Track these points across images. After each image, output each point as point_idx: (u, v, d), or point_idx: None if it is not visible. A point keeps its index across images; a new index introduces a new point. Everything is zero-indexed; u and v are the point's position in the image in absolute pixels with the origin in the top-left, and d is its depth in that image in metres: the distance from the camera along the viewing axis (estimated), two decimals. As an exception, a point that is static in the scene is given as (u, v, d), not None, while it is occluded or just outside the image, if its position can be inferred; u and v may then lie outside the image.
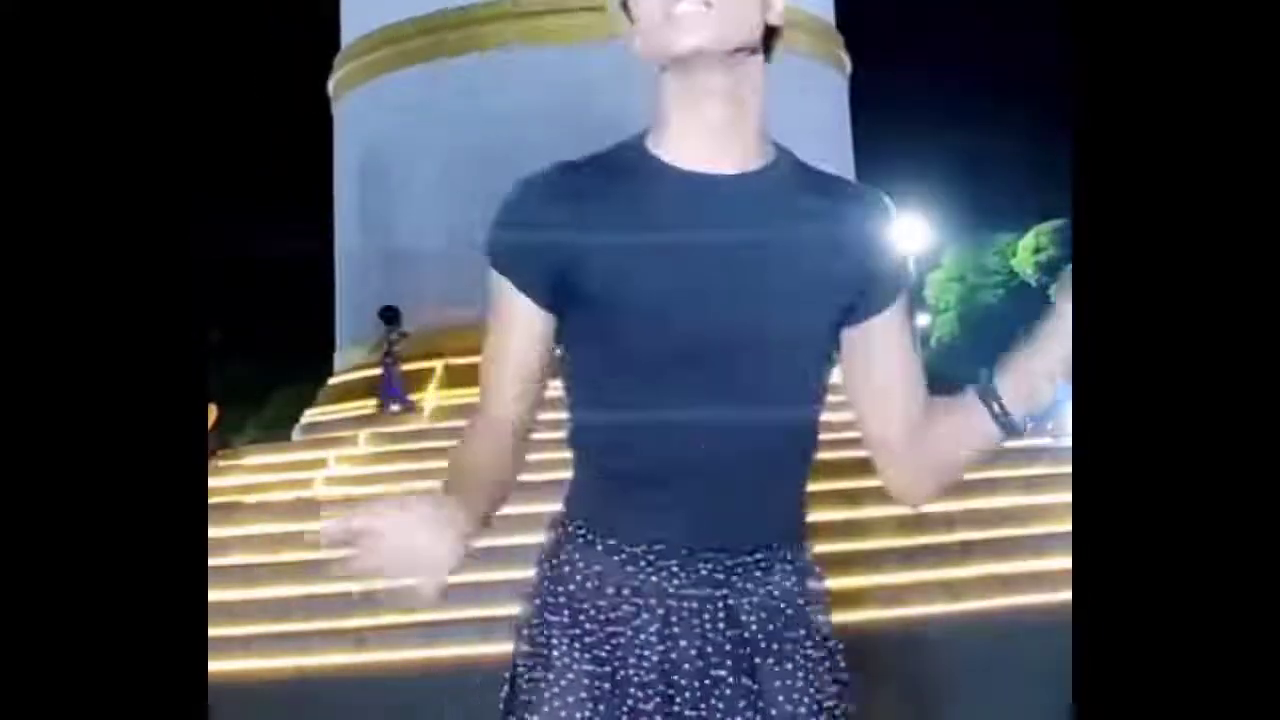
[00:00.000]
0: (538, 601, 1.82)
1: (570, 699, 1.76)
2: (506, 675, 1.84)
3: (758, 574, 1.79)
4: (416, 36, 13.82)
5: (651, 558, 1.76)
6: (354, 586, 8.95)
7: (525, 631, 1.83)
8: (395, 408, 12.88)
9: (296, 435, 14.67)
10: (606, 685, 1.75)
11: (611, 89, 12.38)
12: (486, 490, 1.76)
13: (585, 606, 1.78)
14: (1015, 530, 9.72)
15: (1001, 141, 42.79)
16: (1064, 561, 8.10)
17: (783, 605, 1.81)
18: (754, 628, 1.78)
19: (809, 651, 1.83)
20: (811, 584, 1.86)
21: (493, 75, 13.10)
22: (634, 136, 1.82)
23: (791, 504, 1.86)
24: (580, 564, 1.80)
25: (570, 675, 1.77)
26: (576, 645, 1.77)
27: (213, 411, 17.67)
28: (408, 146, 13.73)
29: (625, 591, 1.77)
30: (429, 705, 6.93)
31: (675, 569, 1.76)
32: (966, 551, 9.42)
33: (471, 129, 13.19)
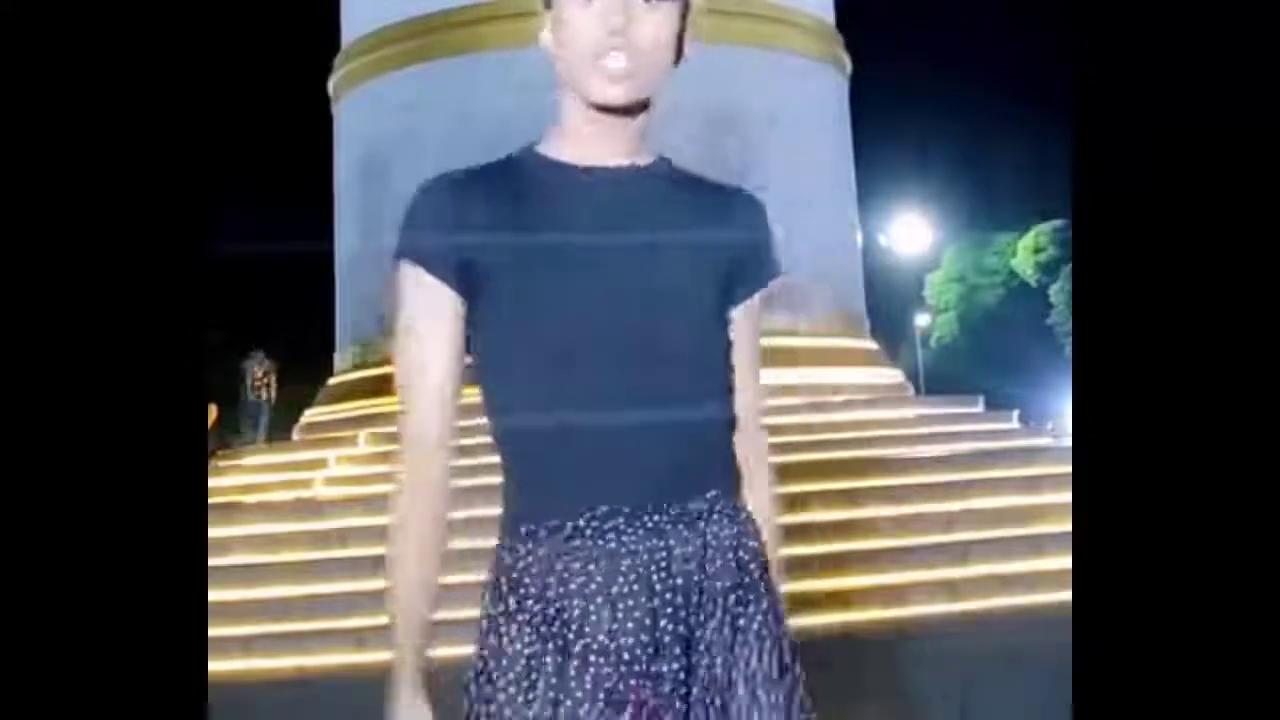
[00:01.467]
0: (486, 600, 1.87)
1: (516, 680, 1.80)
2: (464, 682, 1.86)
3: (699, 523, 1.85)
4: (416, 36, 13.79)
5: (596, 523, 1.82)
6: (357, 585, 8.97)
7: (479, 633, 1.87)
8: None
9: (296, 435, 14.66)
10: (553, 660, 1.80)
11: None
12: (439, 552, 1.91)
13: (531, 590, 1.83)
14: (1015, 530, 9.71)
15: (1001, 141, 42.78)
16: (1064, 561, 8.10)
17: (716, 555, 1.86)
18: (690, 576, 1.84)
19: (750, 602, 1.88)
20: (749, 541, 1.91)
21: (492, 75, 13.08)
22: (522, 147, 1.96)
23: (719, 460, 1.91)
24: (524, 554, 1.84)
25: (513, 658, 1.81)
26: (525, 629, 1.82)
27: (213, 411, 17.67)
28: (408, 146, 13.70)
29: (575, 565, 1.82)
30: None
31: (621, 526, 1.82)
32: (966, 551, 9.41)
33: (471, 129, 13.17)
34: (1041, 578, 8.75)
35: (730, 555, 1.87)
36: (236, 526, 10.26)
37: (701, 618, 1.84)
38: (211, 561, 7.25)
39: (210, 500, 9.46)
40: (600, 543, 1.82)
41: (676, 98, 1.98)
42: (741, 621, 1.86)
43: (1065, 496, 9.17)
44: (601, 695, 1.78)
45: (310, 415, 14.49)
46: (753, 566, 1.90)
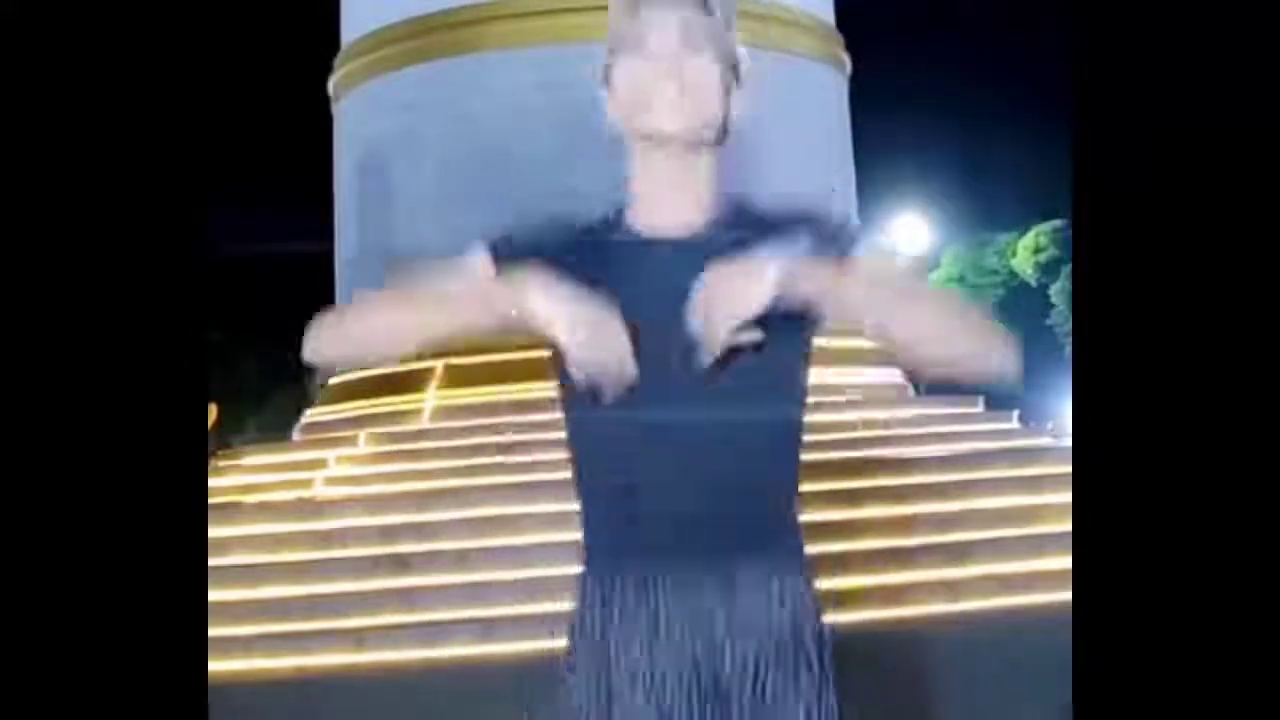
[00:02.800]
0: (569, 636, 2.01)
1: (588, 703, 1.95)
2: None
3: (736, 591, 1.94)
4: (416, 36, 13.78)
5: (638, 577, 1.94)
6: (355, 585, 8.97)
7: (563, 661, 2.01)
8: None
9: (296, 435, 14.66)
10: (613, 697, 1.93)
11: (611, 89, 12.33)
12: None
13: (594, 635, 1.96)
14: (1015, 530, 9.71)
15: (1001, 141, 42.77)
16: (1064, 561, 8.09)
17: (751, 622, 1.94)
18: (721, 638, 1.93)
19: (787, 674, 1.94)
20: (798, 619, 1.97)
21: (493, 75, 13.08)
22: (614, 208, 2.08)
23: (769, 534, 2.01)
24: (588, 596, 1.99)
25: (583, 701, 1.95)
26: (589, 673, 1.96)
27: (213, 411, 17.66)
28: (408, 146, 13.70)
29: (627, 617, 1.94)
30: (429, 705, 6.93)
31: (667, 585, 1.93)
32: (966, 551, 9.41)
33: (471, 129, 13.18)
34: (1041, 578, 8.75)
35: (765, 628, 1.94)
36: (236, 526, 10.25)
37: (736, 681, 1.92)
38: (211, 561, 7.24)
39: (210, 500, 9.45)
40: (645, 598, 1.94)
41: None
42: (776, 691, 1.93)
43: (1065, 496, 9.16)
44: None
45: (310, 415, 14.49)
46: (798, 643, 1.95)
